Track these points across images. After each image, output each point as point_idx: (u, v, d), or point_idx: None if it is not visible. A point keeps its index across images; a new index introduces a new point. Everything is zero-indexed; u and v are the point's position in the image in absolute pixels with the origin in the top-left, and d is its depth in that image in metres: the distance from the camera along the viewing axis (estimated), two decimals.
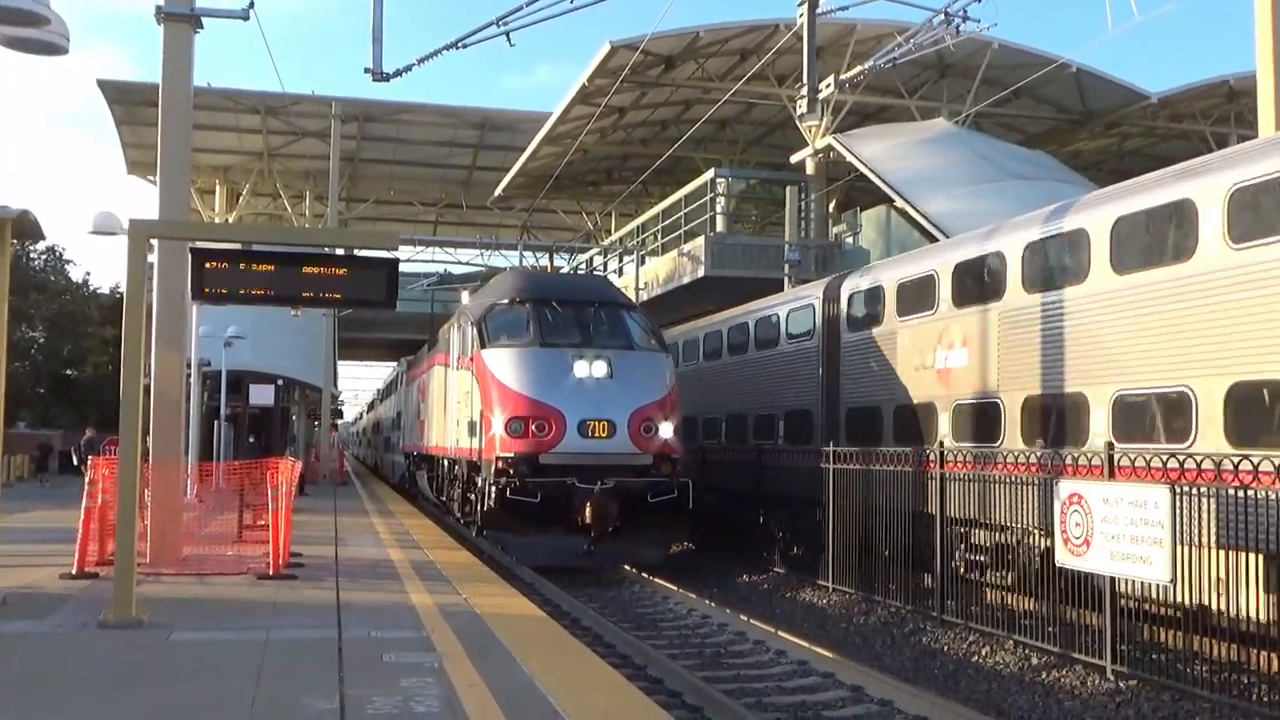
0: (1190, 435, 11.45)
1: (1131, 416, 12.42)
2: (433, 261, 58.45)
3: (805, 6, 18.83)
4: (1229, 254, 11.20)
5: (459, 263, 57.32)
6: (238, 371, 33.62)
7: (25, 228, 11.28)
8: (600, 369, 17.50)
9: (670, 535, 18.34)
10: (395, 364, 45.75)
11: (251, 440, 32.17)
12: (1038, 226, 14.44)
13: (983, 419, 15.05)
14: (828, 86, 25.85)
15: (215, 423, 30.95)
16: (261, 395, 34.55)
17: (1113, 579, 11.04)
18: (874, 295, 18.30)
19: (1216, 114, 35.46)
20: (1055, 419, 13.80)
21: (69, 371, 47.72)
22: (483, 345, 18.67)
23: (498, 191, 44.49)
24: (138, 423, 10.19)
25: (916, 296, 16.95)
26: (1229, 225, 11.24)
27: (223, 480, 24.27)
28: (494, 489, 17.04)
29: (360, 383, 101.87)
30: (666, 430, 17.75)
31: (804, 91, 22.73)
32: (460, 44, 16.79)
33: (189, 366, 20.35)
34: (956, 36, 21.92)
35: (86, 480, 13.77)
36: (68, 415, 46.52)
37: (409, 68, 15.66)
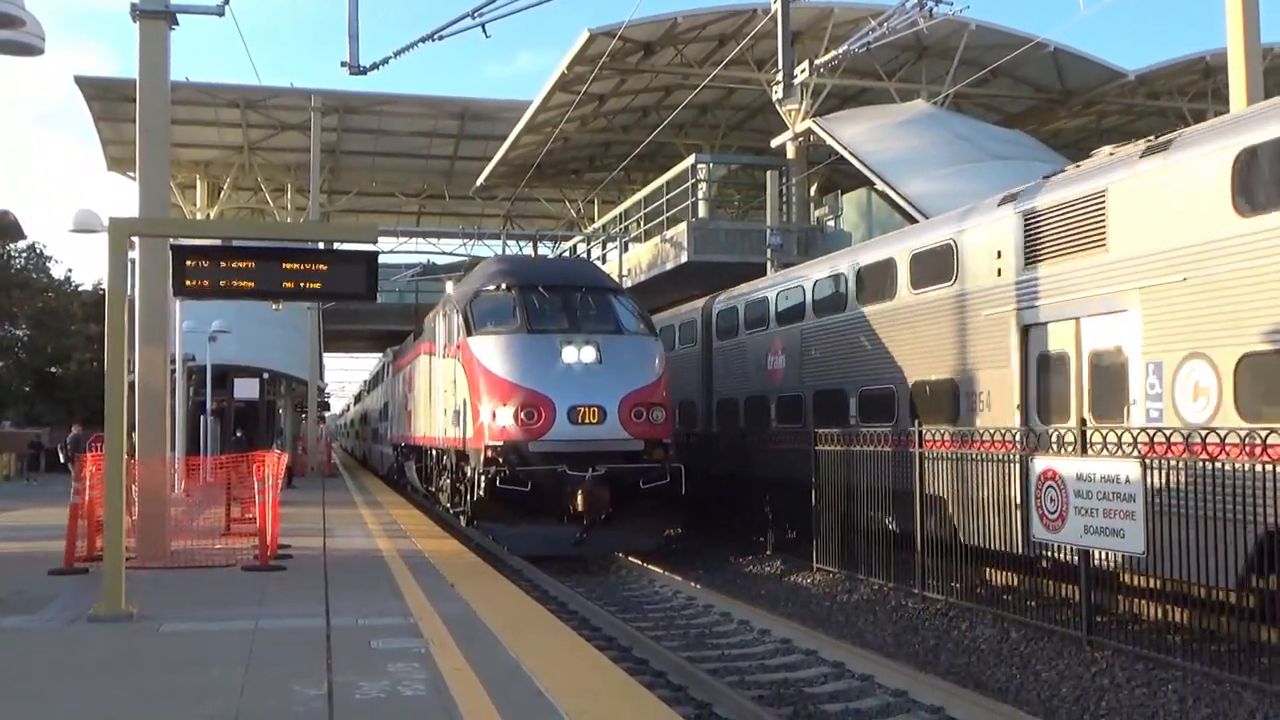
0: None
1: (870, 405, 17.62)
2: (416, 252, 58.63)
3: None
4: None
5: (442, 253, 57.36)
6: (223, 366, 33.64)
7: (6, 228, 11.39)
8: (589, 354, 17.15)
9: (663, 522, 18.03)
10: (381, 355, 45.39)
11: (239, 434, 32.18)
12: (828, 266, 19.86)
13: (794, 407, 20.13)
14: (804, 71, 25.96)
15: (201, 417, 31.01)
16: (246, 389, 34.62)
17: (1087, 552, 11.23)
18: (731, 313, 23.54)
19: (1193, 90, 35.63)
20: (830, 404, 18.82)
21: (53, 369, 47.60)
22: (469, 333, 18.29)
23: (480, 181, 44.53)
24: (123, 419, 10.32)
25: (756, 317, 22.19)
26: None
27: (209, 474, 24.40)
28: (483, 478, 16.79)
29: (346, 374, 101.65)
30: (658, 415, 17.46)
31: (781, 76, 22.84)
32: (437, 36, 16.82)
33: (173, 362, 20.40)
34: (930, 20, 22.04)
35: (74, 477, 13.89)
36: (53, 413, 46.38)
37: (385, 61, 15.75)
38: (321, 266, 10.56)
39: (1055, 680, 10.67)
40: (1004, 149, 28.34)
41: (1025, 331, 13.83)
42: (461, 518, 19.65)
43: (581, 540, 16.80)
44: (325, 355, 54.05)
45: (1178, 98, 35.85)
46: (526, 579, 16.15)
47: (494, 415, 16.93)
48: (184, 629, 9.67)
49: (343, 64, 15.38)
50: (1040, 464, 11.72)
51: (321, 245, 11.39)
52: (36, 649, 8.95)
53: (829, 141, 28.90)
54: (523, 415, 16.67)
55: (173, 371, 19.66)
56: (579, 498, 16.31)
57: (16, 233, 10.95)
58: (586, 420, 16.76)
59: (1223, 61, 25.22)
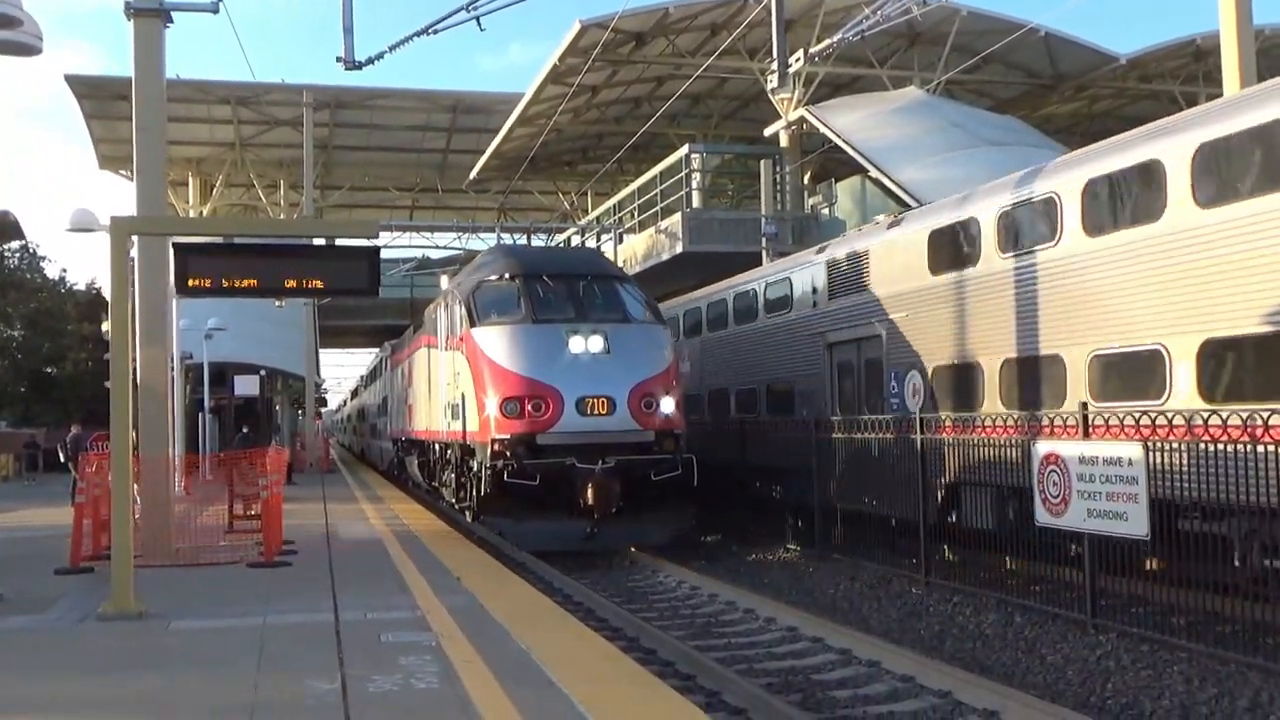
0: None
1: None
2: (410, 246, 58.53)
3: None
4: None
5: (437, 247, 57.24)
6: (220, 363, 33.61)
7: (5, 228, 11.38)
8: (597, 344, 16.52)
9: (676, 515, 17.08)
10: (378, 350, 45.10)
11: (245, 431, 32.16)
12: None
13: (748, 398, 21.93)
14: (798, 60, 25.96)
15: (200, 415, 30.99)
16: (247, 386, 34.59)
17: (1091, 536, 11.28)
18: (691, 315, 25.16)
19: (1185, 73, 35.67)
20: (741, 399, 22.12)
21: (49, 369, 47.53)
22: (472, 324, 17.62)
23: (473, 174, 44.51)
24: (128, 418, 10.32)
25: (714, 319, 23.89)
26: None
27: (209, 472, 24.42)
28: (490, 472, 16.20)
29: (343, 370, 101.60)
30: (668, 405, 16.77)
31: (775, 65, 22.85)
32: (431, 30, 16.77)
33: (171, 360, 20.38)
34: (924, 6, 22.05)
35: (76, 477, 13.90)
36: (48, 413, 46.36)
37: (380, 56, 15.69)
38: (324, 263, 10.58)
39: (1061, 664, 10.70)
40: (997, 135, 28.39)
41: (830, 348, 18.43)
42: (467, 513, 19.27)
43: (592, 535, 16.20)
44: (321, 351, 53.98)
45: (1169, 81, 35.91)
46: (531, 571, 16.17)
47: (500, 408, 16.36)
48: (194, 626, 9.69)
49: (338, 59, 15.36)
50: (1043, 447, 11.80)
51: (320, 241, 11.40)
52: (48, 648, 8.98)
53: (822, 130, 28.93)
54: (530, 407, 16.13)
55: (171, 370, 19.64)
56: (589, 491, 15.73)
57: (16, 233, 10.92)
58: (595, 411, 16.23)
59: (1214, 44, 25.27)
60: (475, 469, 17.14)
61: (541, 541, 16.46)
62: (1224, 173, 11.07)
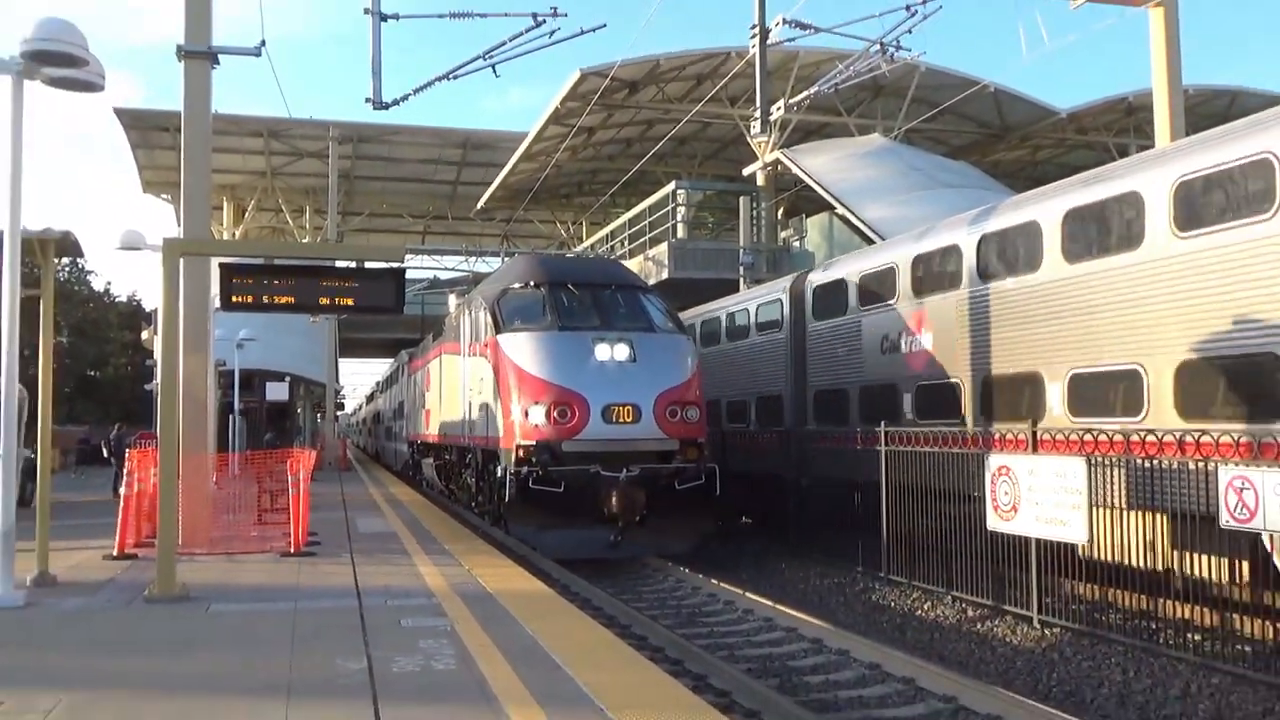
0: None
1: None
2: (422, 268, 58.51)
3: (757, 39, 18.91)
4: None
5: (446, 269, 57.52)
6: (248, 370, 33.49)
7: (67, 247, 11.33)
8: (622, 352, 15.34)
9: (698, 523, 15.75)
10: (394, 358, 44.44)
11: (270, 435, 32.01)
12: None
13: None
14: (777, 109, 26.06)
15: (230, 417, 30.83)
16: (277, 391, 34.49)
17: (1037, 539, 11.34)
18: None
19: (1118, 127, 35.98)
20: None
21: (92, 372, 47.30)
22: (498, 330, 16.36)
23: (480, 204, 44.52)
24: (175, 419, 10.29)
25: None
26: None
27: (237, 469, 24.28)
28: (514, 478, 14.92)
29: (358, 378, 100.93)
30: (692, 414, 15.59)
31: (755, 112, 22.94)
32: (452, 75, 16.81)
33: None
34: (892, 64, 22.18)
35: (124, 471, 13.81)
36: (90, 412, 46.08)
37: (405, 97, 15.70)
38: (355, 283, 10.58)
39: (1010, 655, 10.75)
40: (952, 178, 28.54)
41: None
42: (486, 517, 18.01)
43: (616, 543, 15.03)
44: (339, 360, 53.80)
45: (1104, 133, 36.20)
46: (533, 564, 16.10)
47: (525, 414, 15.17)
48: (231, 609, 9.63)
49: (367, 100, 15.37)
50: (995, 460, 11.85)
51: (343, 263, 11.41)
52: (101, 627, 8.91)
53: (795, 171, 29.04)
54: (555, 414, 14.96)
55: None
56: (613, 499, 14.65)
57: (77, 251, 10.88)
58: (621, 419, 15.07)
59: (1145, 101, 25.55)
60: (499, 474, 15.79)
61: (566, 549, 15.24)
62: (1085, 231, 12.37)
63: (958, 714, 8.67)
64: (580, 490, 14.73)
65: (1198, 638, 9.72)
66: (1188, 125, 20.69)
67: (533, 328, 15.97)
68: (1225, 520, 8.87)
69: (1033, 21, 78.33)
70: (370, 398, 67.10)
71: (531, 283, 16.81)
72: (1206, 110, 32.14)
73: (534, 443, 14.97)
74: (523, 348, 15.70)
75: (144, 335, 38.89)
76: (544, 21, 16.73)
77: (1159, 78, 20.11)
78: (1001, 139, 36.43)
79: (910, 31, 20.46)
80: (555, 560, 15.51)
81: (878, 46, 20.97)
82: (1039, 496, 10.99)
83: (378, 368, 67.51)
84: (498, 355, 16.10)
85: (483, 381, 17.06)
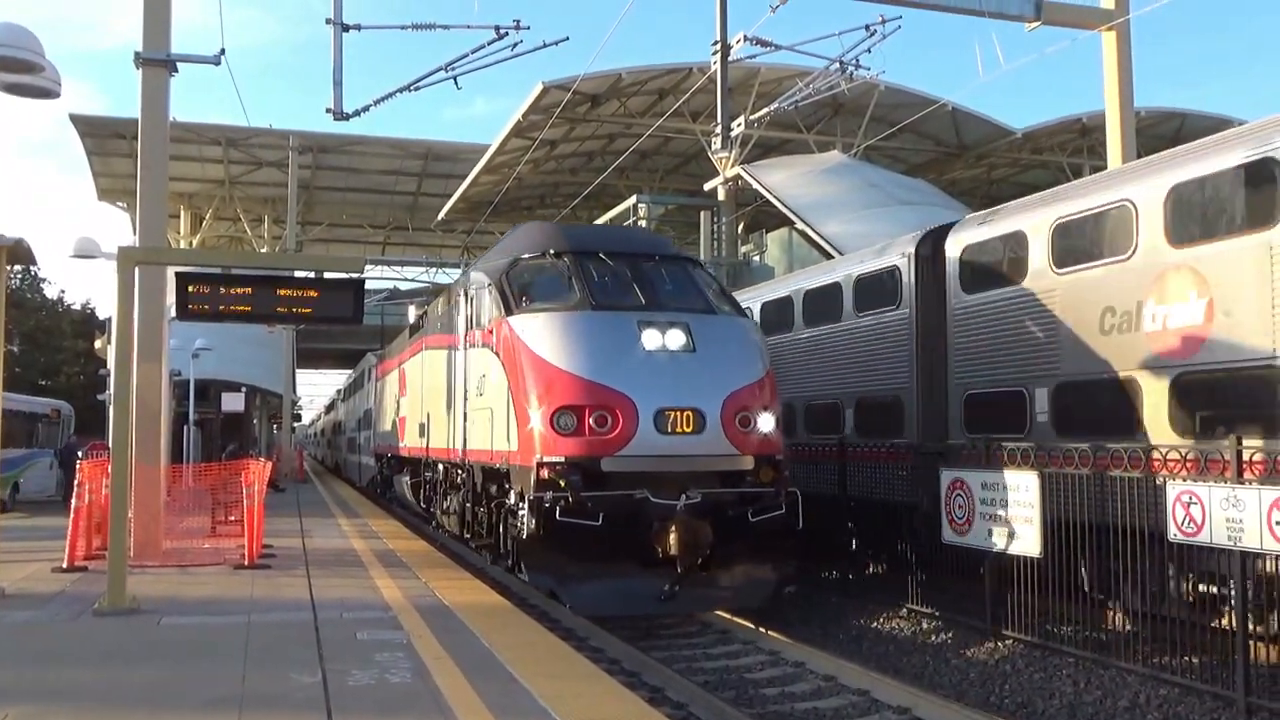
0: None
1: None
2: (382, 278, 58.09)
3: (719, 56, 19.04)
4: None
5: (406, 279, 57.13)
6: (204, 380, 33.07)
7: (19, 254, 11.17)
8: (676, 339, 11.47)
9: (778, 567, 11.66)
10: (358, 364, 42.05)
11: (233, 447, 31.60)
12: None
13: None
14: (737, 125, 26.25)
15: (185, 428, 30.43)
16: (233, 402, 34.09)
17: (991, 552, 11.43)
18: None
19: (1071, 146, 36.52)
20: None
21: (44, 382, 46.45)
22: (507, 311, 12.31)
23: (441, 215, 44.39)
24: (129, 431, 10.17)
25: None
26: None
27: (191, 480, 23.96)
28: (536, 508, 10.89)
29: (315, 389, 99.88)
30: (767, 423, 11.61)
31: (716, 128, 23.12)
32: (413, 87, 16.73)
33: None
34: (851, 82, 22.43)
35: (75, 482, 13.61)
36: None
37: (366, 108, 15.60)
38: (313, 293, 10.52)
39: (964, 666, 10.85)
40: (909, 195, 28.79)
41: None
42: (485, 553, 14.17)
43: (672, 595, 10.92)
44: (297, 371, 53.34)
45: (1058, 153, 36.75)
46: (490, 576, 16.01)
47: (551, 421, 11.11)
48: (183, 622, 9.52)
49: (327, 110, 15.25)
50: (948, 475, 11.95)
51: (302, 273, 11.36)
52: (49, 641, 8.77)
53: (755, 186, 29.20)
54: (591, 421, 11.04)
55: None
56: (670, 536, 10.68)
57: (30, 259, 10.66)
58: (679, 429, 11.16)
59: (1098, 122, 25.96)
60: (511, 501, 11.91)
61: (605, 603, 11.26)
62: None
63: None
64: (624, 524, 10.86)
65: (1147, 649, 9.85)
66: (1140, 146, 21.12)
67: (557, 307, 12.03)
68: (1173, 534, 9.02)
69: (989, 42, 79.33)
70: (330, 407, 66.32)
71: (551, 251, 12.85)
72: (1158, 132, 32.74)
73: (563, 459, 11.07)
74: (545, 332, 11.69)
75: (97, 344, 38.31)
76: (506, 34, 16.73)
77: (1111, 100, 20.54)
78: (959, 157, 36.89)
79: (869, 51, 20.74)
80: (587, 617, 11.91)
81: (838, 65, 21.22)
82: (992, 510, 11.11)
83: (336, 379, 66.93)
84: (509, 342, 12.09)
85: (485, 379, 13.18)
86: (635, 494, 10.89)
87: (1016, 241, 12.63)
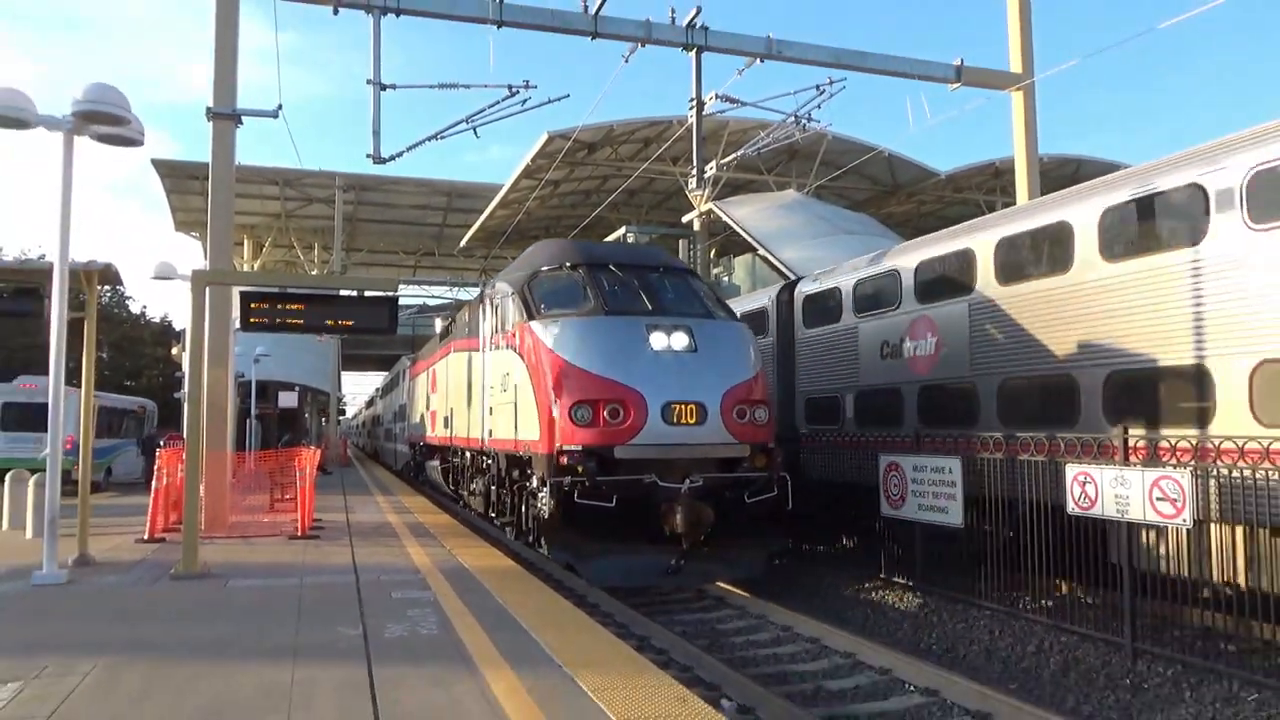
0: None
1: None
2: (413, 296, 58.05)
3: (694, 111, 19.09)
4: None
5: (434, 297, 57.20)
6: (264, 381, 32.92)
7: (108, 276, 11.10)
8: (680, 341, 11.24)
9: (770, 542, 11.62)
10: (393, 367, 42.07)
11: (287, 437, 31.42)
12: None
13: None
14: (711, 168, 26.27)
15: (247, 421, 30.27)
16: (288, 399, 33.95)
17: (920, 523, 11.48)
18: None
19: (987, 187, 36.61)
20: None
21: (129, 383, 46.10)
22: (529, 316, 12.03)
23: (462, 243, 44.25)
24: (201, 423, 10.13)
25: None
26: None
27: (253, 465, 23.85)
28: (555, 491, 10.71)
29: (357, 388, 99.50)
30: (761, 415, 11.39)
31: (692, 170, 23.10)
32: (439, 136, 16.73)
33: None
34: (804, 133, 22.48)
35: (155, 468, 13.52)
36: None
37: (400, 154, 15.57)
38: (354, 308, 10.49)
39: (899, 618, 10.86)
40: (853, 227, 28.78)
41: None
42: (508, 530, 13.76)
43: (678, 568, 10.74)
44: (341, 373, 53.13)
45: (976, 192, 36.83)
46: (505, 545, 15.92)
47: (569, 413, 10.84)
48: (246, 584, 9.46)
49: (368, 155, 15.18)
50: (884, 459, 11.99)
51: (348, 292, 11.32)
52: (131, 601, 8.70)
53: (725, 219, 29.16)
54: (605, 413, 10.74)
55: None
56: (676, 515, 10.51)
57: (117, 280, 10.62)
58: (683, 420, 10.89)
59: (1009, 166, 26.04)
60: (533, 485, 11.56)
61: (617, 576, 10.93)
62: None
63: (855, 668, 8.76)
64: (635, 505, 10.64)
65: (1050, 604, 9.88)
66: (1043, 187, 21.19)
67: (574, 312, 11.72)
68: (1071, 508, 9.06)
69: (919, 100, 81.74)
70: (370, 403, 66.04)
71: (567, 264, 12.60)
72: (1058, 175, 32.84)
73: (580, 448, 10.76)
74: (563, 335, 11.44)
75: (174, 351, 38.10)
76: (517, 92, 16.70)
77: (1019, 148, 20.61)
78: (893, 195, 36.95)
79: (819, 106, 20.77)
80: (602, 588, 11.57)
81: (793, 118, 21.25)
82: (922, 488, 11.14)
83: (375, 379, 66.67)
84: (531, 344, 11.73)
85: (508, 377, 12.79)
86: (644, 478, 10.55)
87: (835, 294, 15.15)
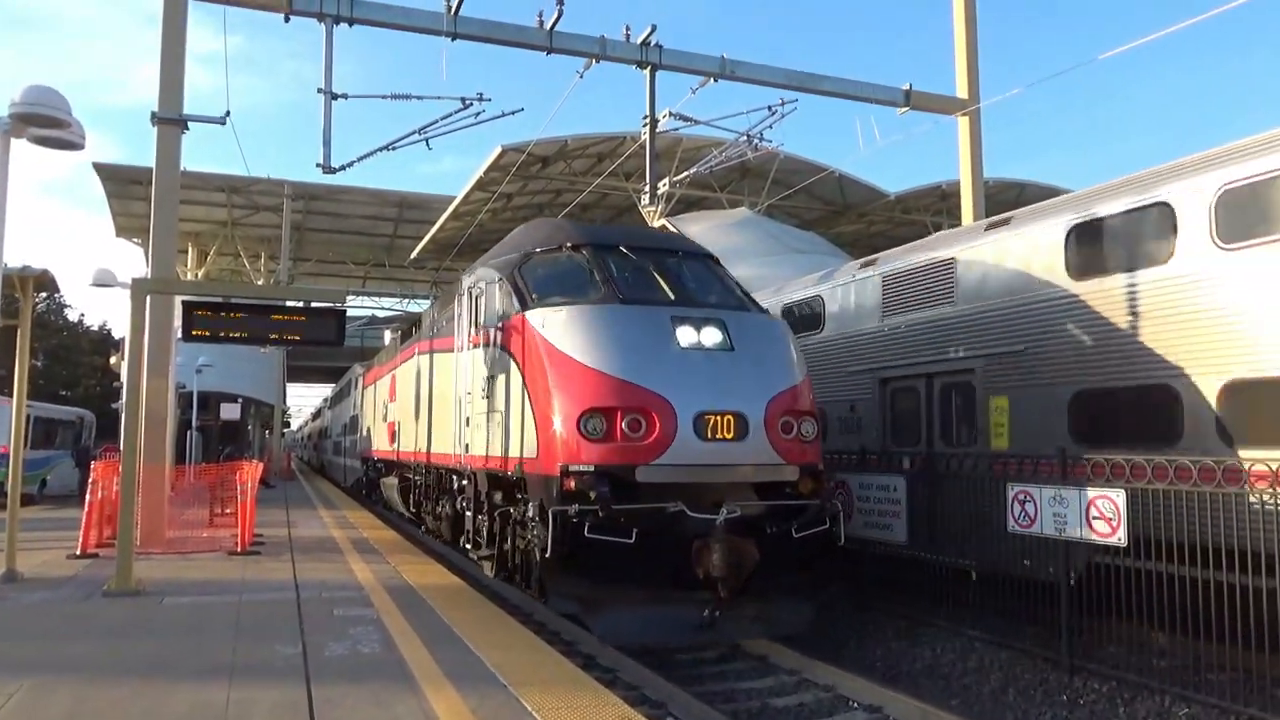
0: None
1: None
2: (362, 308, 57.40)
3: (648, 128, 19.21)
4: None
5: (383, 308, 56.62)
6: (205, 392, 32.25)
7: (44, 283, 10.81)
8: (713, 336, 9.13)
9: (818, 585, 9.60)
10: (345, 373, 39.93)
11: (228, 450, 30.78)
12: None
13: None
14: (664, 185, 26.43)
15: (188, 433, 29.60)
16: (230, 411, 33.30)
17: (868, 540, 11.58)
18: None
19: (934, 208, 37.28)
20: None
21: (64, 393, 44.86)
22: (524, 305, 9.79)
23: (413, 255, 43.96)
24: (138, 434, 9.88)
25: None
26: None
27: (193, 479, 23.33)
28: (560, 522, 8.32)
29: (302, 400, 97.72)
30: (809, 430, 9.31)
31: (645, 187, 23.22)
32: (391, 146, 16.58)
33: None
34: (756, 152, 22.73)
35: (89, 480, 13.16)
36: None
37: (351, 164, 15.38)
38: (301, 320, 10.34)
39: (844, 636, 10.94)
40: (802, 245, 29.14)
41: None
42: (485, 564, 11.46)
43: (712, 622, 8.61)
44: (288, 384, 52.26)
45: (924, 213, 37.51)
46: (449, 560, 15.73)
47: (578, 424, 8.67)
48: (183, 602, 9.23)
49: (318, 164, 15.02)
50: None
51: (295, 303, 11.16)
52: (60, 619, 8.44)
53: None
54: (624, 425, 8.59)
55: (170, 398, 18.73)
56: (714, 555, 8.31)
57: (53, 287, 10.23)
58: (720, 434, 8.76)
59: (955, 188, 26.54)
60: (530, 514, 9.18)
61: (638, 633, 8.71)
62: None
63: (800, 685, 8.81)
64: (658, 541, 8.42)
65: (992, 620, 10.04)
66: (988, 209, 21.66)
67: (580, 301, 9.51)
68: (1011, 526, 9.23)
69: (869, 123, 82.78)
70: (316, 414, 64.91)
71: (568, 244, 10.34)
72: (1002, 198, 33.55)
73: (592, 468, 8.58)
74: (570, 327, 9.19)
75: (112, 360, 37.17)
76: (471, 104, 16.62)
77: (965, 171, 21.08)
78: (843, 215, 37.50)
79: (771, 126, 21.02)
80: (616, 647, 8.98)
81: (745, 137, 21.48)
82: (868, 505, 11.27)
83: (322, 390, 65.67)
84: (526, 339, 9.53)
85: (494, 380, 10.46)
86: (669, 506, 8.43)
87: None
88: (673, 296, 9.65)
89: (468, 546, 12.04)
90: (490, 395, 10.52)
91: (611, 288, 9.57)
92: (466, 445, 11.52)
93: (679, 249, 10.79)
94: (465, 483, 11.95)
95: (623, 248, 10.18)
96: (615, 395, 8.68)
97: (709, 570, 8.32)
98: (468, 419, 11.46)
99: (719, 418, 8.75)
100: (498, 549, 10.66)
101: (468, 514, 11.79)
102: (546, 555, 8.43)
